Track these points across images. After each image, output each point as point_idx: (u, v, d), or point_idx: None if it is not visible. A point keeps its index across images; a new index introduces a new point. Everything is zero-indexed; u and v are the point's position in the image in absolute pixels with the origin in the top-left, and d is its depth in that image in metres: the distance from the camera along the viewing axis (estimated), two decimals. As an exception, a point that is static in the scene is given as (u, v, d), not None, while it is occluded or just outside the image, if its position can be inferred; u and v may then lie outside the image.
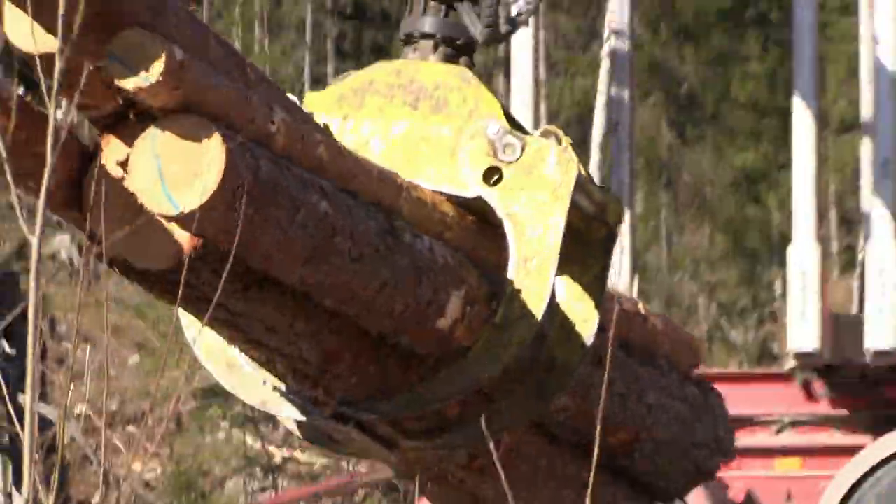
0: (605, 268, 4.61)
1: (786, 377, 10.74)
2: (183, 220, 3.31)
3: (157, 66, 3.22)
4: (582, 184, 4.33)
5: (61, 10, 2.86)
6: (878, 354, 10.18)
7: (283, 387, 4.38)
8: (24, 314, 10.51)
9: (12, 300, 14.36)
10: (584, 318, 4.46)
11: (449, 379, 4.34)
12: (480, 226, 4.53)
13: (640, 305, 5.87)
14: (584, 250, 4.52)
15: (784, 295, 13.16)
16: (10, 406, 4.75)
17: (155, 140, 3.33)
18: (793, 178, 11.07)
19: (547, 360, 4.47)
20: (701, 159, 34.76)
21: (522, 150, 4.30)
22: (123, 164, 3.39)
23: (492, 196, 4.31)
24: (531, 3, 4.77)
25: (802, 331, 10.26)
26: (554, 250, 4.24)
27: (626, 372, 5.20)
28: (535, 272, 4.25)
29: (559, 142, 4.35)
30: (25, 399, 2.89)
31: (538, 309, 4.22)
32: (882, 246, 10.47)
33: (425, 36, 4.63)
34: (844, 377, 10.45)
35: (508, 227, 4.30)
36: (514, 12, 4.62)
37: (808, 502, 10.18)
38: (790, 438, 10.50)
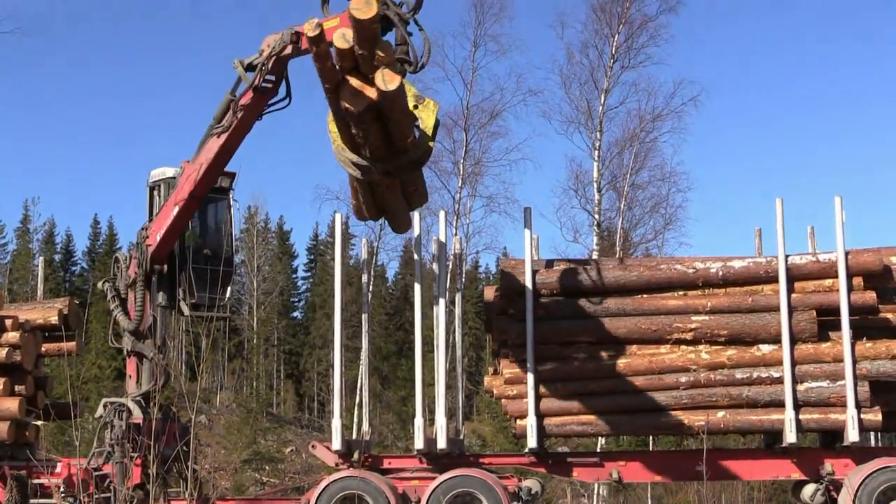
0: (437, 129, 12.53)
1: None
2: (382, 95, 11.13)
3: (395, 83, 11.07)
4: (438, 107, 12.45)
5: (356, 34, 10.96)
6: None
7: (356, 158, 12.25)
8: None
9: None
10: (430, 142, 12.38)
11: (405, 157, 12.29)
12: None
13: None
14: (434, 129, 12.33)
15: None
16: None
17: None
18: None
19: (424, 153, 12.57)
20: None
21: (424, 98, 12.16)
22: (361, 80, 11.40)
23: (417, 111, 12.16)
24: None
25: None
26: (431, 125, 12.15)
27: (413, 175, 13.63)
28: (426, 130, 12.15)
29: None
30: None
31: (427, 138, 12.24)
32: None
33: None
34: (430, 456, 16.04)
35: (420, 117, 12.07)
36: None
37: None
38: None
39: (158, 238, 16.73)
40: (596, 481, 20.96)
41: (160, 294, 17.23)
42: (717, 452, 15.86)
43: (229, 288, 18.18)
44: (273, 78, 14.84)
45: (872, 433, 16.35)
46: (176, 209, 16.50)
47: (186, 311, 17.33)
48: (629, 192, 37.55)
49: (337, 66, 11.32)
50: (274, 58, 14.42)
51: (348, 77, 11.31)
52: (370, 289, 21.30)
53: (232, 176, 17.85)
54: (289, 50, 14.35)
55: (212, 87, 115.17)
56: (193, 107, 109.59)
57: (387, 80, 10.97)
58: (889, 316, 15.32)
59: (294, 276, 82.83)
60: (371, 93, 11.20)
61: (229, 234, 18.48)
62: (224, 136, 15.52)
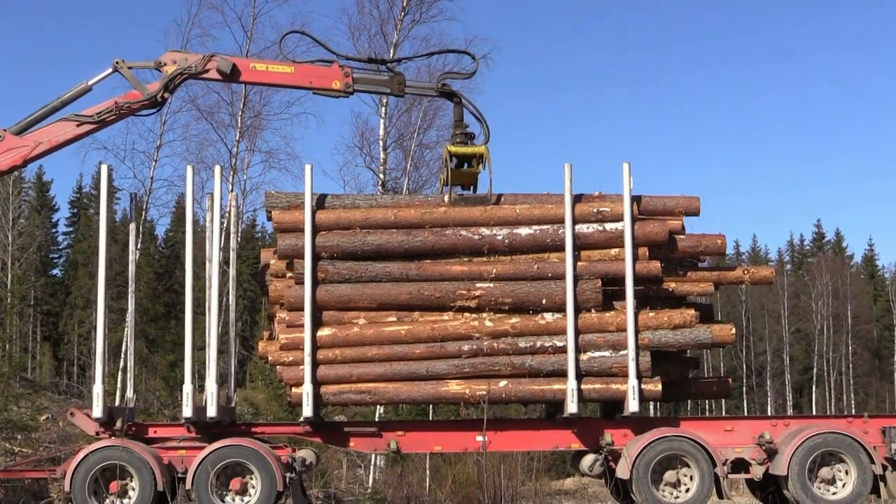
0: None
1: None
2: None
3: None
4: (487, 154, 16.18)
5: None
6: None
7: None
8: None
9: None
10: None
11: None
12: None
13: None
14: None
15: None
16: None
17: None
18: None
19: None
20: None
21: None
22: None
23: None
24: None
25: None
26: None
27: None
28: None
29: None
30: None
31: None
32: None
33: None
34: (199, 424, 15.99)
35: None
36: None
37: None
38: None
39: None
40: (373, 451, 21.19)
41: None
42: (498, 422, 16.24)
43: None
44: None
45: (652, 403, 17.06)
46: None
47: None
48: (416, 151, 37.93)
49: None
50: (185, 76, 16.02)
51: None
52: (138, 246, 20.84)
53: None
54: (211, 74, 16.12)
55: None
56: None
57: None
58: (672, 286, 16.04)
59: (54, 230, 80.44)
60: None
61: None
62: (87, 128, 15.95)
